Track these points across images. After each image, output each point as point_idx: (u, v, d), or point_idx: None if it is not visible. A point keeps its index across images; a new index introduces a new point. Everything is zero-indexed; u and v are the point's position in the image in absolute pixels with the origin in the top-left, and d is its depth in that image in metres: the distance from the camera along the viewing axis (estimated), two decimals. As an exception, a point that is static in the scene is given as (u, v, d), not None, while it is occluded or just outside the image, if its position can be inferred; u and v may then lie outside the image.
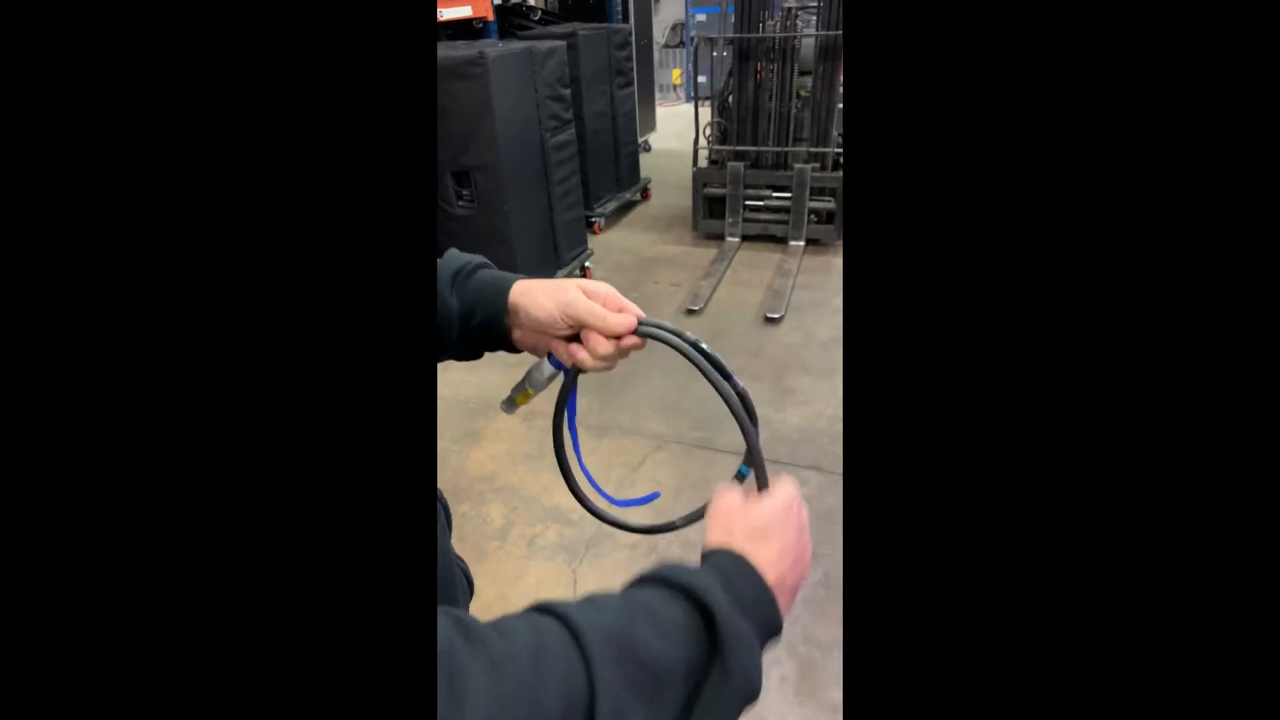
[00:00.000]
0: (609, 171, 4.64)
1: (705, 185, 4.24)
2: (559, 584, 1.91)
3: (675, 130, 7.08)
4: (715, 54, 4.35)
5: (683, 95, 9.11)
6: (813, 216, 4.09)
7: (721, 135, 4.29)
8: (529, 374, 0.61)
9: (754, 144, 4.08)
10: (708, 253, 4.13)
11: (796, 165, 3.94)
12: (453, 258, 0.60)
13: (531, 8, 5.40)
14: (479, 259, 0.61)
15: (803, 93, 3.96)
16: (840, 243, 3.91)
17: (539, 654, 0.35)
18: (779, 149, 4.04)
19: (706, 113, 4.37)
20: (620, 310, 0.55)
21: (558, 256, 3.62)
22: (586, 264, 3.85)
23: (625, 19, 5.94)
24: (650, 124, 6.64)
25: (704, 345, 0.53)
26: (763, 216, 4.19)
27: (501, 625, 0.37)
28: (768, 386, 2.75)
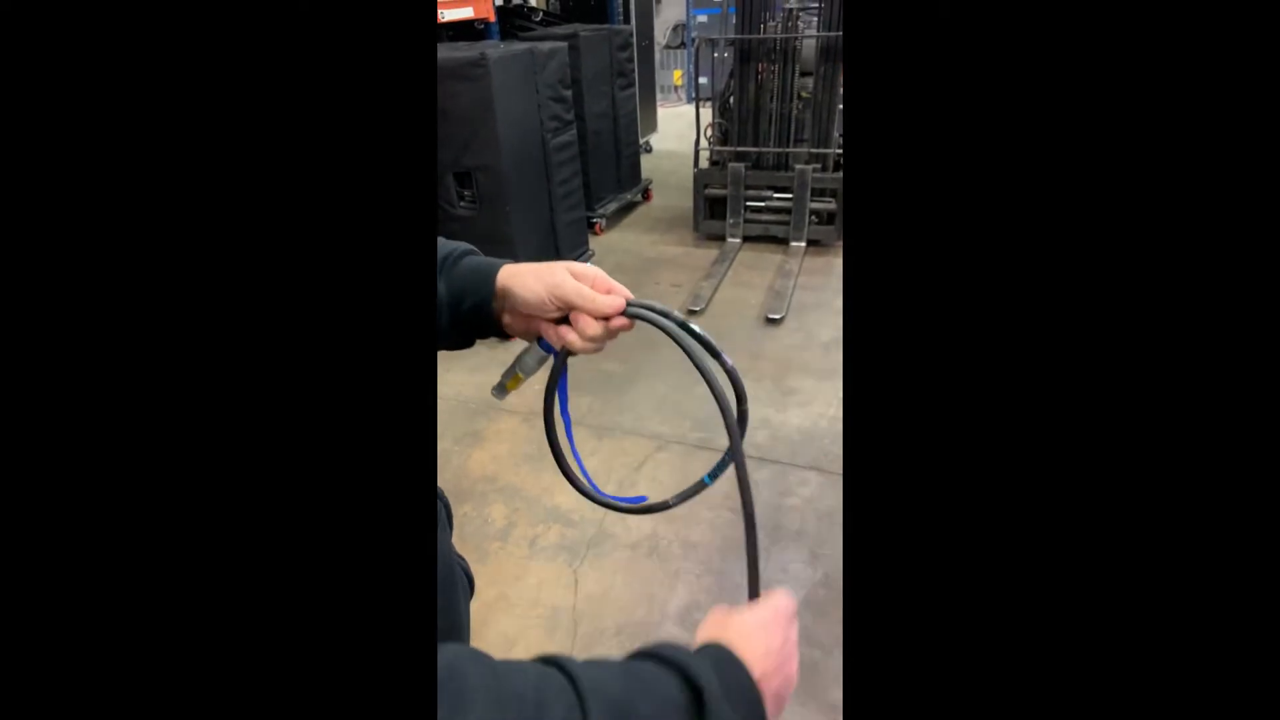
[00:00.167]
0: (610, 172, 4.64)
1: (706, 186, 4.23)
2: (560, 584, 1.91)
3: (676, 131, 7.08)
4: (716, 55, 4.36)
5: (684, 96, 9.11)
6: (814, 217, 4.08)
7: (723, 136, 4.29)
8: (519, 358, 0.62)
9: (755, 145, 4.08)
10: (709, 253, 4.13)
11: (798, 166, 3.94)
12: (439, 245, 0.60)
13: (533, 9, 5.40)
14: (465, 246, 0.61)
15: (804, 94, 3.96)
16: (841, 244, 3.91)
17: (542, 704, 0.36)
18: (780, 150, 4.03)
19: (708, 114, 4.37)
20: (608, 292, 0.55)
21: (559, 257, 3.60)
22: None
23: (626, 20, 5.94)
24: (651, 125, 6.64)
25: (693, 325, 0.53)
26: (764, 217, 4.18)
27: (510, 665, 0.39)
28: (769, 387, 2.75)
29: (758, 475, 2.25)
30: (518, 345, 0.62)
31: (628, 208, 5.02)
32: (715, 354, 0.53)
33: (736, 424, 0.53)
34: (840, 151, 3.92)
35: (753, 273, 3.89)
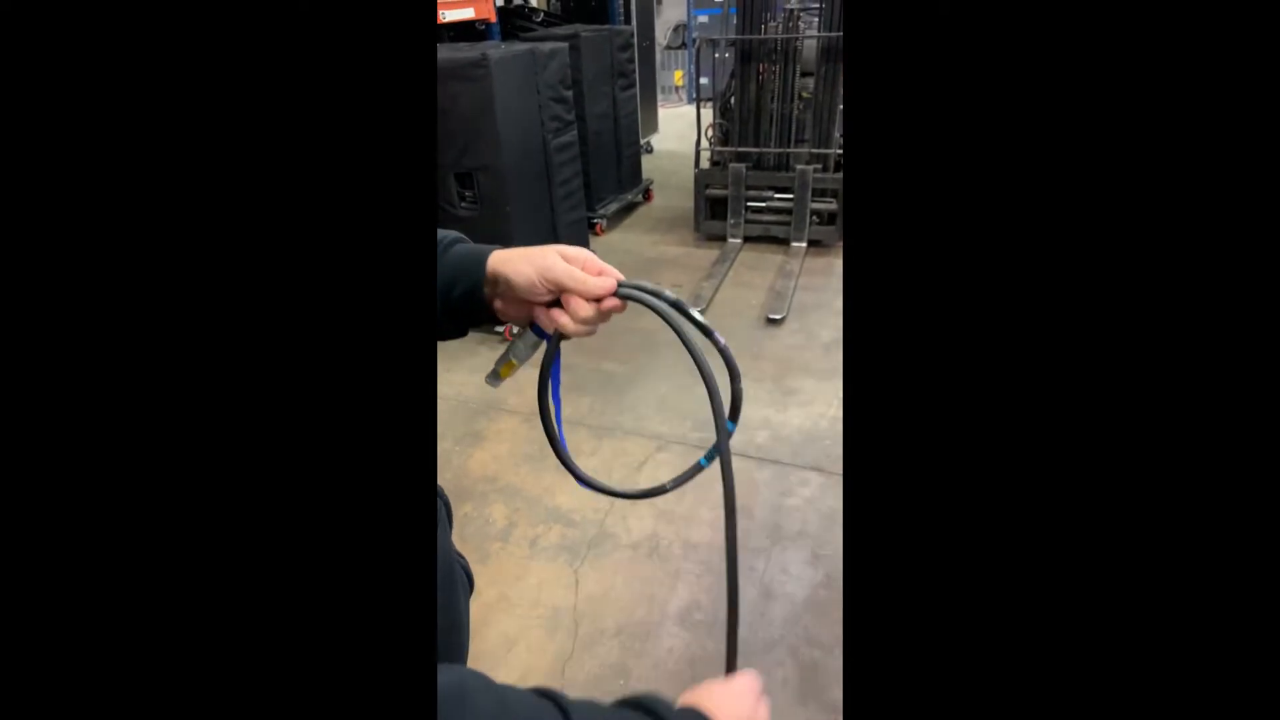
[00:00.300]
0: (611, 173, 4.64)
1: (707, 186, 4.23)
2: (560, 584, 1.91)
3: (677, 132, 7.08)
4: (717, 55, 4.35)
5: (685, 97, 9.10)
6: (814, 218, 4.08)
7: (723, 136, 4.29)
8: (512, 344, 0.62)
9: (756, 145, 4.08)
10: (709, 254, 4.13)
11: (798, 166, 3.94)
12: None
13: (534, 9, 5.40)
14: (454, 234, 0.61)
15: (805, 94, 3.96)
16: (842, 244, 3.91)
17: None
18: (781, 150, 4.03)
19: (708, 114, 4.37)
20: (599, 273, 0.55)
21: (560, 257, 3.61)
22: (588, 265, 3.83)
23: (627, 20, 5.94)
24: (652, 125, 6.64)
25: (685, 305, 0.54)
26: (765, 218, 4.18)
27: (514, 692, 0.40)
28: (769, 388, 2.75)
29: (759, 475, 2.25)
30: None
31: (629, 208, 5.02)
32: (708, 333, 0.53)
33: (725, 409, 0.54)
34: (841, 151, 3.92)
35: (754, 273, 3.89)
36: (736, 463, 2.32)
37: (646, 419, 2.62)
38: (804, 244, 4.06)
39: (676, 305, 0.53)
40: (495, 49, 3.01)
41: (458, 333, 0.62)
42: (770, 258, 4.05)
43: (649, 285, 0.55)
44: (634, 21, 6.01)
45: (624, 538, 2.04)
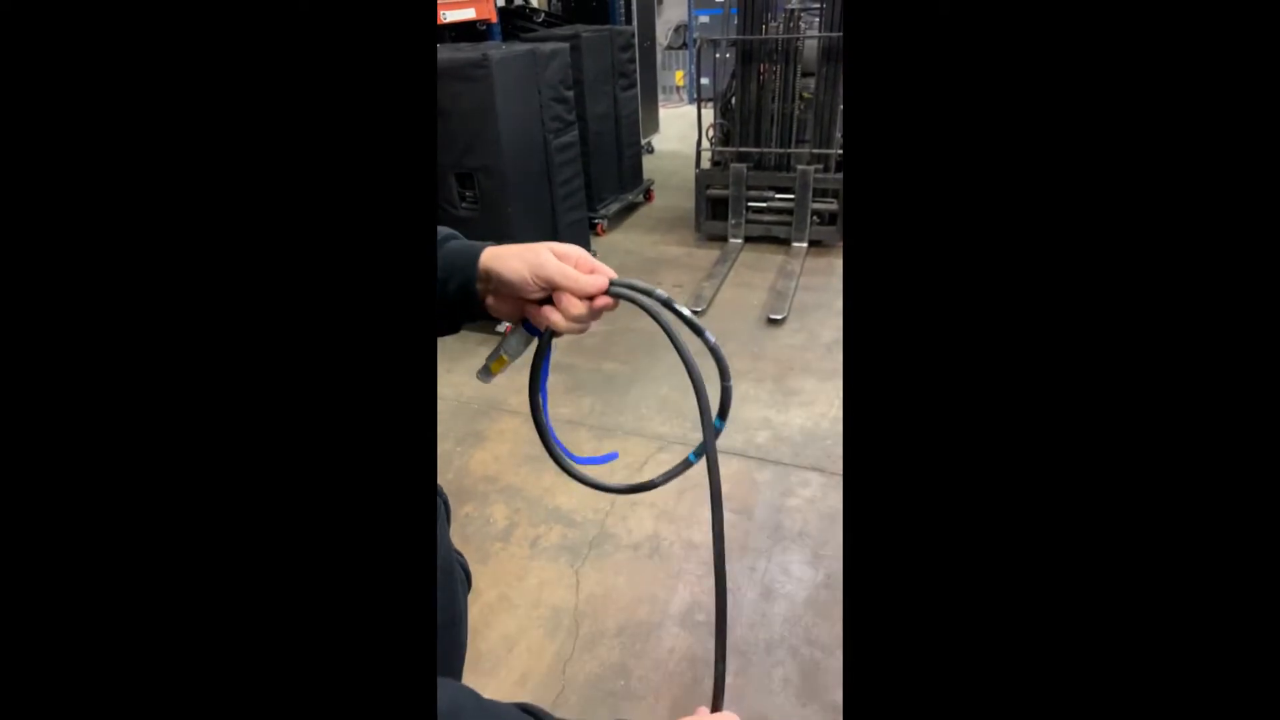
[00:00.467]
0: (612, 173, 4.64)
1: (708, 187, 4.23)
2: (561, 585, 1.91)
3: (678, 132, 7.08)
4: (718, 55, 4.36)
5: (685, 97, 9.11)
6: (815, 218, 4.08)
7: (724, 137, 4.29)
8: (503, 340, 0.62)
9: (757, 145, 4.08)
10: (710, 254, 4.13)
11: (799, 167, 3.94)
12: None
13: (534, 10, 5.41)
14: (448, 230, 0.61)
15: (805, 94, 3.96)
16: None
17: None
18: (782, 150, 4.03)
19: (709, 114, 4.37)
20: (592, 271, 0.55)
21: (561, 258, 3.61)
22: (589, 265, 3.83)
23: (628, 21, 5.95)
24: (653, 125, 6.64)
25: (676, 305, 0.54)
26: (765, 218, 4.18)
27: (499, 705, 0.41)
28: (770, 388, 2.75)
29: (759, 476, 2.25)
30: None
31: (630, 208, 5.02)
32: (698, 331, 0.53)
33: (711, 409, 0.54)
34: (842, 152, 3.92)
35: (754, 273, 3.89)
36: (738, 463, 2.33)
37: (647, 419, 2.62)
38: (805, 244, 4.06)
39: (667, 304, 0.54)
40: (496, 49, 3.01)
41: (450, 329, 0.62)
42: (771, 258, 4.05)
43: (640, 284, 0.55)
44: (635, 22, 6.01)
45: (625, 538, 2.04)
